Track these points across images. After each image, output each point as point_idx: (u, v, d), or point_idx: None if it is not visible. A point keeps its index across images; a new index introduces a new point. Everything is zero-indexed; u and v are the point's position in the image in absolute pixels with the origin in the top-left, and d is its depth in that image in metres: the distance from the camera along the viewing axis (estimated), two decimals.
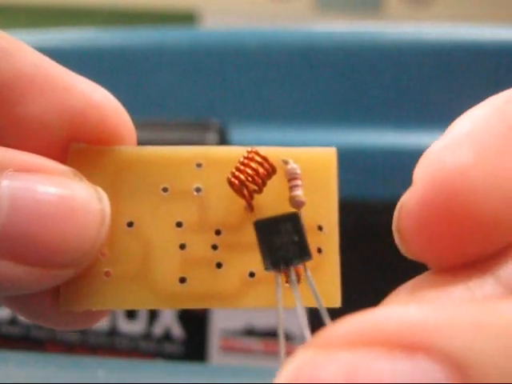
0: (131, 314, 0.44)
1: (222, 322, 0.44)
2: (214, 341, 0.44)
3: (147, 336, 0.44)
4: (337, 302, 0.15)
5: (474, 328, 0.09)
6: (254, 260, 0.15)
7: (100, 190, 0.14)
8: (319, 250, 0.15)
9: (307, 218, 0.15)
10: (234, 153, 0.15)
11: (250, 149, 0.15)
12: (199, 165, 0.15)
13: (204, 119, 0.42)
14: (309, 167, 0.15)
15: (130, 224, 0.15)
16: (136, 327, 0.44)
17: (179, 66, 0.44)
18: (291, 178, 0.15)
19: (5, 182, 0.13)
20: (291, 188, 0.15)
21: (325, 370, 0.09)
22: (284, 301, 0.14)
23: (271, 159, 0.15)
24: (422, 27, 0.42)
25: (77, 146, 0.15)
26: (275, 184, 0.15)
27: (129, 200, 0.15)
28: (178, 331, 0.44)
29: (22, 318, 0.46)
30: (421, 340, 0.09)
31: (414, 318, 0.09)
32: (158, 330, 0.44)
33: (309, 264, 0.14)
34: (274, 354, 0.43)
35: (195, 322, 0.44)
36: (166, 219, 0.15)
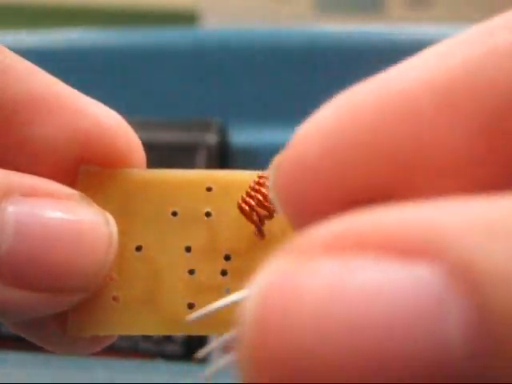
0: None
1: None
2: (214, 341, 0.44)
3: (147, 336, 0.44)
4: None
5: (489, 232, 0.07)
6: None
7: (107, 214, 0.14)
8: None
9: None
10: (244, 177, 0.15)
11: (260, 173, 0.15)
12: (209, 189, 0.15)
13: (204, 119, 0.42)
14: None
15: (139, 248, 0.15)
16: None
17: (179, 65, 0.44)
18: None
19: (11, 208, 0.13)
20: None
21: (305, 284, 0.07)
22: None
23: None
24: (423, 28, 0.43)
25: (86, 168, 0.15)
26: None
27: (138, 223, 0.15)
28: None
29: None
30: (421, 244, 0.07)
31: (412, 218, 0.07)
32: None
33: None
34: None
35: None
36: (175, 244, 0.15)
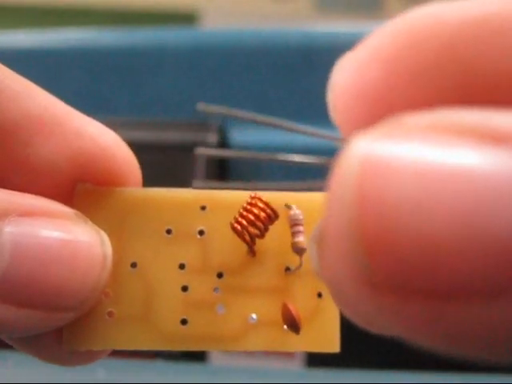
0: None
1: None
2: None
3: None
4: (335, 347, 0.15)
5: None
6: (255, 303, 0.15)
7: (103, 233, 0.15)
8: (319, 295, 0.15)
9: (309, 263, 0.15)
10: (237, 197, 0.15)
11: (253, 194, 0.15)
12: (203, 208, 0.15)
13: (204, 119, 0.42)
14: (311, 213, 0.15)
15: (134, 265, 0.15)
16: None
17: (179, 66, 0.44)
18: (293, 223, 0.15)
19: (8, 228, 0.13)
20: (293, 234, 0.15)
21: (406, 148, 0.08)
22: (282, 344, 0.15)
23: (274, 204, 0.15)
24: None
25: (83, 187, 0.15)
26: (278, 229, 0.15)
27: (133, 241, 0.15)
28: None
29: None
30: None
31: (504, 113, 0.08)
32: None
33: (308, 308, 0.15)
34: (274, 354, 0.43)
35: None
36: (169, 261, 0.15)
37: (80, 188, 0.15)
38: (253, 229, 0.15)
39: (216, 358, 0.44)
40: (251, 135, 0.43)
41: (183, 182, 0.18)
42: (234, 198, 0.15)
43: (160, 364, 0.37)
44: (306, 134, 0.13)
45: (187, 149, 0.41)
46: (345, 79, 0.10)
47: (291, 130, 0.12)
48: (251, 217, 0.15)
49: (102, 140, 0.15)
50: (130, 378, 0.26)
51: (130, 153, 0.16)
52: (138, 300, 0.15)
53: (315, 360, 0.38)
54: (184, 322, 0.15)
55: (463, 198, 0.07)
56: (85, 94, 0.44)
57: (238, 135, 0.43)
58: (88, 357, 0.16)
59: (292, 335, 0.15)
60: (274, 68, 0.43)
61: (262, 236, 0.15)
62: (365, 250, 0.08)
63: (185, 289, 0.15)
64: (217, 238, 0.15)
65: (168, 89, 0.44)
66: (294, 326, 0.15)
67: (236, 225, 0.15)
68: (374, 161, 0.08)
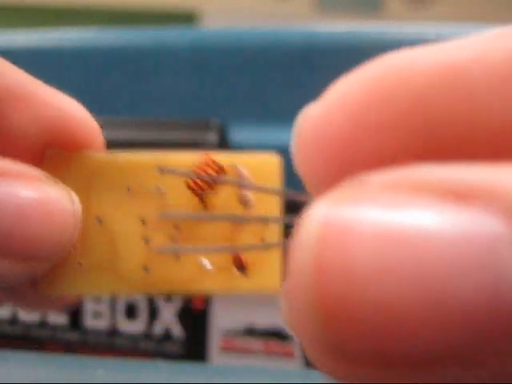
0: (131, 314, 0.44)
1: (222, 321, 0.44)
2: (214, 341, 0.44)
3: (147, 336, 0.44)
4: (277, 287, 0.17)
5: None
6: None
7: (72, 192, 0.16)
8: (263, 241, 0.17)
9: (254, 214, 0.17)
10: (190, 158, 0.17)
11: (205, 154, 0.17)
12: (160, 168, 0.17)
13: (204, 119, 0.42)
14: (256, 170, 0.17)
15: (100, 220, 0.17)
16: (136, 327, 0.44)
17: (179, 65, 0.44)
18: (240, 180, 0.17)
19: None
20: (239, 189, 0.17)
21: (363, 218, 0.07)
22: (232, 286, 0.17)
23: (223, 163, 0.17)
24: (423, 27, 0.43)
25: (52, 152, 0.17)
26: (227, 185, 0.17)
27: (98, 199, 0.17)
28: (178, 331, 0.44)
29: (22, 318, 0.46)
30: (475, 189, 0.07)
31: (464, 170, 0.08)
32: (157, 329, 0.44)
33: (254, 254, 0.17)
34: (274, 353, 0.43)
35: (195, 322, 0.44)
36: (130, 215, 0.17)
37: (49, 153, 0.17)
38: (204, 184, 0.17)
39: (216, 358, 0.44)
40: (251, 135, 0.43)
41: None
42: (187, 158, 0.17)
43: (160, 364, 0.37)
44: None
45: (187, 148, 0.41)
46: (309, 129, 0.10)
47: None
48: (203, 174, 0.17)
49: (69, 109, 0.17)
50: (130, 378, 0.26)
51: (92, 120, 0.17)
52: (104, 251, 0.17)
53: None
54: (146, 269, 0.17)
55: (421, 262, 0.07)
56: (85, 94, 0.44)
57: (238, 135, 0.43)
58: (59, 303, 0.18)
59: (240, 278, 0.17)
60: (274, 68, 0.43)
61: (213, 191, 0.17)
62: (321, 316, 0.07)
63: (145, 240, 0.17)
64: (173, 194, 0.17)
65: (168, 89, 0.44)
66: (241, 268, 0.17)
67: (189, 181, 0.17)
68: (332, 226, 0.08)
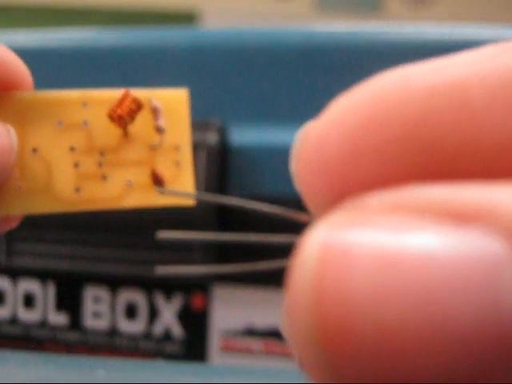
0: (131, 314, 0.44)
1: (222, 322, 0.44)
2: (214, 341, 0.44)
3: (147, 336, 0.44)
4: (190, 203, 0.20)
5: None
6: (130, 172, 0.19)
7: (8, 126, 0.18)
8: (177, 164, 0.20)
9: (168, 141, 0.20)
10: (111, 94, 0.19)
11: (125, 90, 0.19)
12: (85, 104, 0.19)
13: (204, 119, 0.42)
14: (169, 104, 0.20)
15: (35, 150, 0.19)
16: (136, 327, 0.44)
17: (179, 65, 0.44)
18: (155, 111, 0.20)
19: None
20: (155, 119, 0.20)
21: (362, 241, 0.07)
22: (152, 200, 0.20)
23: (140, 98, 0.19)
24: (422, 27, 0.42)
25: None
26: (144, 117, 0.20)
27: (32, 132, 0.19)
28: (177, 331, 0.44)
29: (21, 318, 0.46)
30: (475, 210, 0.07)
31: (462, 191, 0.08)
32: (157, 329, 0.44)
33: (170, 173, 0.20)
34: (274, 353, 0.43)
35: (195, 322, 0.44)
36: (61, 145, 0.19)
37: None
38: (126, 116, 0.19)
39: (216, 358, 0.44)
40: (251, 135, 0.43)
41: None
42: (108, 94, 0.19)
43: (160, 364, 0.37)
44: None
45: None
46: (307, 151, 0.10)
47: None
48: (124, 107, 0.19)
49: None
50: (130, 378, 0.26)
51: (21, 63, 0.19)
52: (40, 176, 0.19)
53: None
54: (78, 189, 0.19)
55: (421, 286, 0.07)
56: None
57: (238, 135, 0.43)
58: (4, 223, 0.20)
59: (159, 195, 0.19)
60: (274, 68, 0.43)
61: (132, 121, 0.19)
62: (320, 338, 0.07)
63: (76, 165, 0.19)
64: (98, 126, 0.19)
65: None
66: (159, 183, 0.20)
67: (112, 113, 0.19)
68: (332, 248, 0.08)
